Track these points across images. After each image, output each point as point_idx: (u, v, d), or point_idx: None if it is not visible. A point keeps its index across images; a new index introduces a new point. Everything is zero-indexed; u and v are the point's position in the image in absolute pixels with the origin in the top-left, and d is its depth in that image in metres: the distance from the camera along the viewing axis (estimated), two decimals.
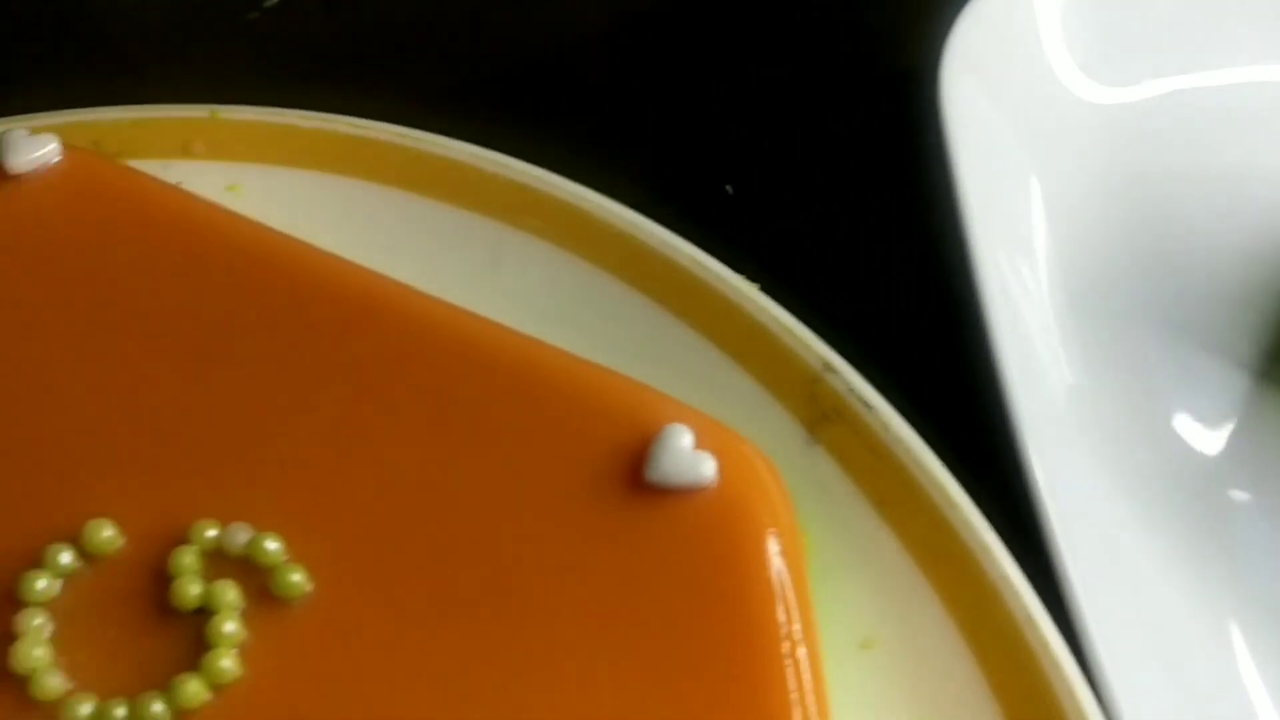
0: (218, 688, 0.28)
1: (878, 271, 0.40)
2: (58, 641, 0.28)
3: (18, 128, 0.35)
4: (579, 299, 0.36)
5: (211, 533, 0.29)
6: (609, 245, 0.36)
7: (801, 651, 0.27)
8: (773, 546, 0.28)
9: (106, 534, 0.29)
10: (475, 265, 0.36)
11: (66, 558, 0.29)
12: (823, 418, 0.33)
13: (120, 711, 0.27)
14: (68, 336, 0.33)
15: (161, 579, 0.29)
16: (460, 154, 0.38)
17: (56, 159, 0.35)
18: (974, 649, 0.29)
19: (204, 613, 0.28)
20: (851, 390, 0.32)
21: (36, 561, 0.29)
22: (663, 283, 0.35)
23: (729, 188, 0.42)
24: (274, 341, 0.32)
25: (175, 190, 0.35)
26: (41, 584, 0.29)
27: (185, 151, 0.39)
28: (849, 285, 0.39)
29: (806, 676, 0.27)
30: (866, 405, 0.32)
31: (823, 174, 0.43)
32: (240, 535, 0.29)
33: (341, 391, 0.31)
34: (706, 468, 0.28)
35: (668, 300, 0.35)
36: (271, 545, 0.29)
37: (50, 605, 0.29)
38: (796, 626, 0.27)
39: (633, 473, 0.29)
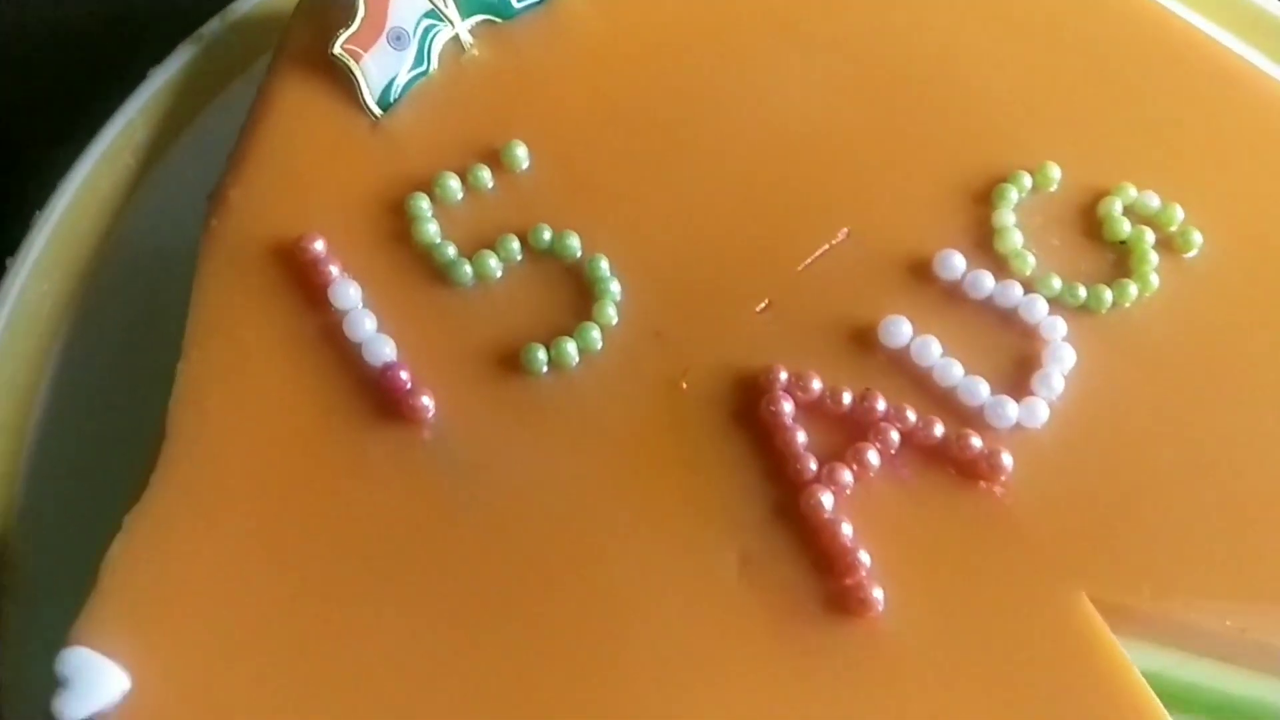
0: (1140, 296, 0.39)
1: None
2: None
3: None
4: None
5: (1133, 192, 0.41)
6: None
7: None
8: None
9: (1055, 174, 0.41)
10: None
11: (1027, 182, 0.41)
12: None
13: (1082, 292, 0.39)
14: None
15: (1087, 215, 0.41)
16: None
17: None
18: None
19: (1123, 245, 0.40)
20: None
21: (1005, 178, 0.41)
22: None
23: None
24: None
25: None
26: (1014, 195, 0.40)
27: None
28: None
29: None
30: None
31: None
32: (1153, 200, 0.41)
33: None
34: None
35: None
36: (1180, 213, 0.40)
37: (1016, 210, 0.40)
38: None
39: None
